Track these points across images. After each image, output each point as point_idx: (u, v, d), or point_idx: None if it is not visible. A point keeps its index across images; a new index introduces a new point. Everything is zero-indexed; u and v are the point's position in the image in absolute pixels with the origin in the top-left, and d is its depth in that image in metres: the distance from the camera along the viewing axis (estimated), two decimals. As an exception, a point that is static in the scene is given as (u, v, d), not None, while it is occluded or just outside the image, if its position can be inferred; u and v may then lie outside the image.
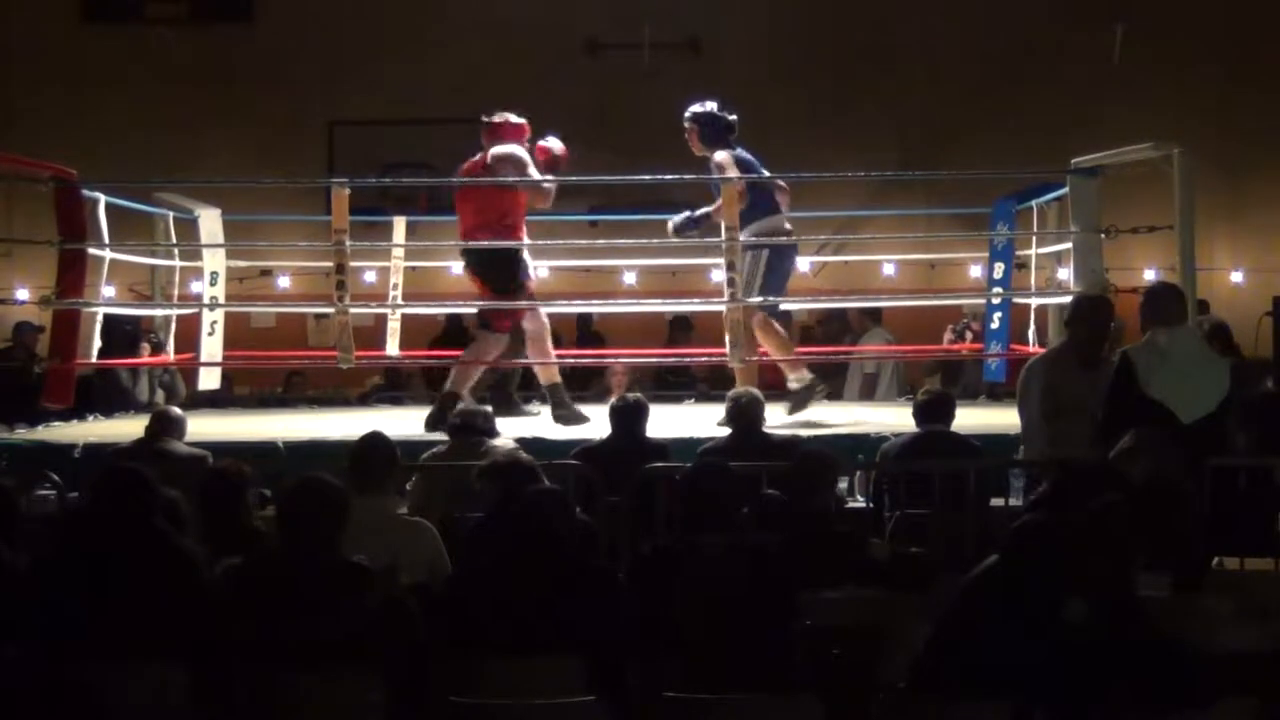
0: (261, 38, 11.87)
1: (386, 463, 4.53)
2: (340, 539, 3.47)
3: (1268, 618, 3.69)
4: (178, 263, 8.40)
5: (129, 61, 11.72)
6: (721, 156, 6.87)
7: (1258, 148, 11.63)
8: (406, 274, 8.66)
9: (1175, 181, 6.50)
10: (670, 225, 7.06)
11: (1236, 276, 11.57)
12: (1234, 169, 11.49)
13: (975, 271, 9.30)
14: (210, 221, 8.12)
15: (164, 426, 5.66)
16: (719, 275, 7.23)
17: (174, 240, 8.26)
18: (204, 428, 6.55)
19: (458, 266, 10.68)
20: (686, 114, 7.07)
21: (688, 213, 6.98)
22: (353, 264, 7.06)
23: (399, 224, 8.70)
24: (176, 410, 6.06)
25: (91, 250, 7.01)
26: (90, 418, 7.60)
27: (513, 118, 7.12)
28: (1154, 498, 3.78)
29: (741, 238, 6.70)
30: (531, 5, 11.64)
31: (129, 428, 6.67)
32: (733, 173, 6.78)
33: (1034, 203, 8.08)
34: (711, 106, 7.04)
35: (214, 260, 8.05)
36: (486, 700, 3.20)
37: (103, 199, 7.14)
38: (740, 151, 6.95)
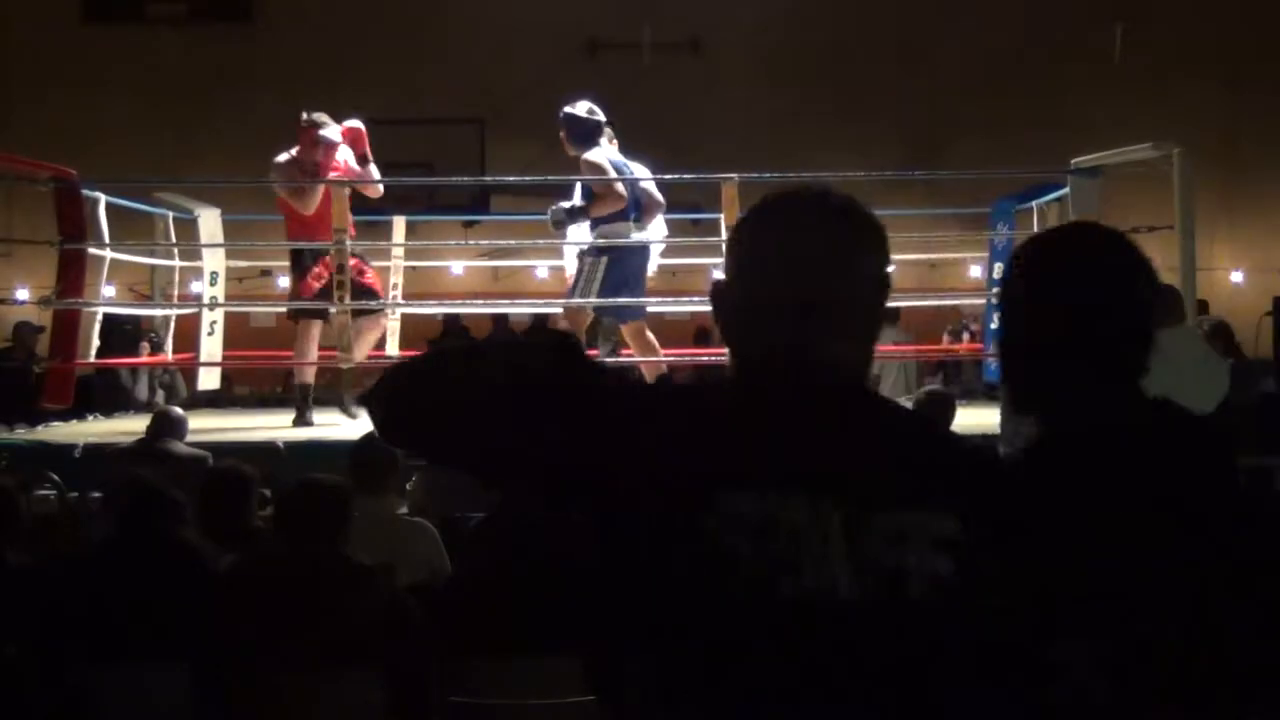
0: (261, 38, 11.88)
1: (387, 463, 4.53)
2: (341, 538, 3.47)
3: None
4: (177, 263, 8.40)
5: (129, 61, 11.73)
6: (593, 156, 6.82)
7: (1258, 148, 11.64)
8: (406, 274, 8.66)
9: (1175, 181, 6.50)
10: (551, 220, 6.91)
11: (1236, 276, 11.58)
12: (1234, 169, 11.49)
13: (975, 271, 9.30)
14: (210, 221, 8.13)
15: (165, 427, 5.66)
16: (719, 275, 7.22)
17: (174, 240, 8.26)
18: (204, 427, 6.55)
19: (458, 267, 10.78)
20: (560, 114, 6.98)
21: (566, 204, 6.83)
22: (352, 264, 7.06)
23: (399, 224, 8.70)
24: (178, 410, 6.05)
25: (91, 250, 7.01)
26: (90, 418, 7.60)
27: (321, 122, 6.98)
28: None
29: (593, 239, 6.65)
30: (531, 5, 11.65)
31: (129, 428, 6.67)
32: (609, 173, 6.73)
33: (1034, 203, 8.08)
34: (582, 106, 6.90)
35: (214, 260, 8.05)
36: (486, 700, 3.20)
37: (103, 199, 7.14)
38: (610, 153, 6.81)
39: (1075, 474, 1.52)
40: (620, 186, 6.63)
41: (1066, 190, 7.27)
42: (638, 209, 6.83)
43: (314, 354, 7.09)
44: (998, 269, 8.14)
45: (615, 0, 11.76)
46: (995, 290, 8.15)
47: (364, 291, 7.01)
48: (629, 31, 11.66)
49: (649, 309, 7.40)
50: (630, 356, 7.22)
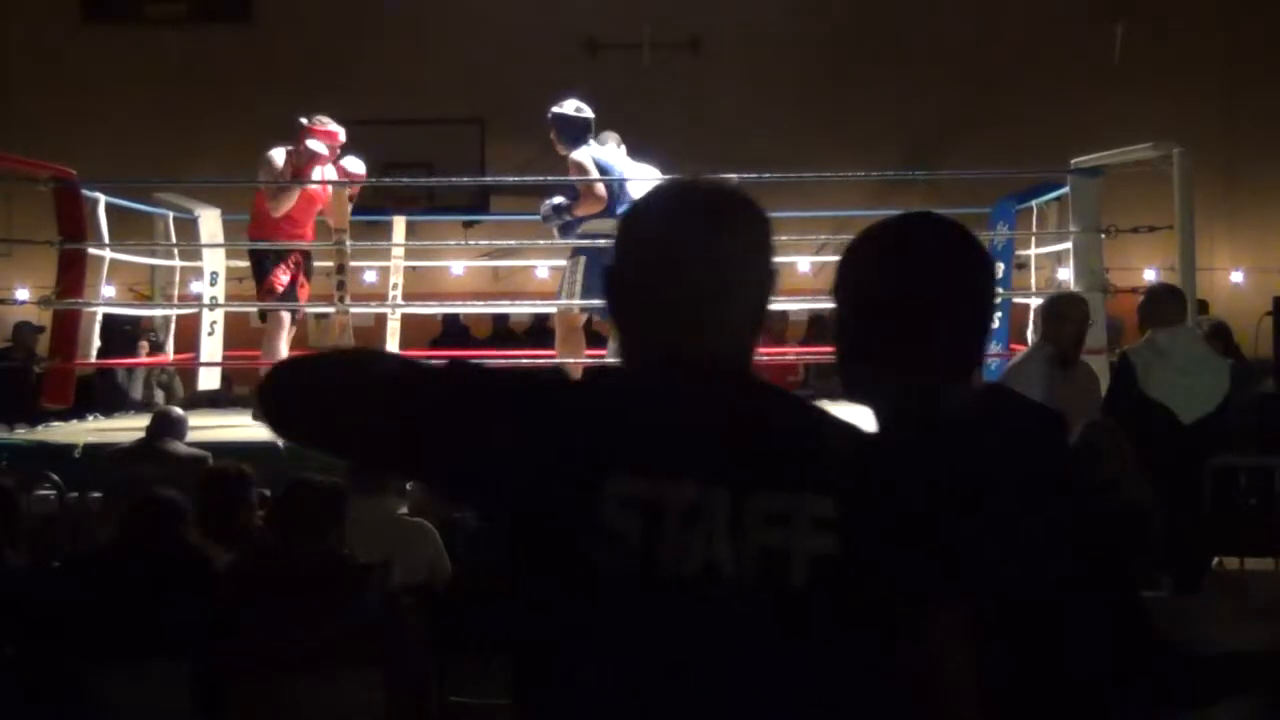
0: (261, 38, 11.87)
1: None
2: (335, 538, 3.47)
3: (1268, 618, 3.69)
4: (178, 263, 8.40)
5: (129, 61, 11.73)
6: (577, 155, 6.84)
7: (1258, 148, 11.63)
8: (406, 274, 8.66)
9: (1175, 181, 6.50)
10: (541, 216, 6.93)
11: (1236, 276, 11.57)
12: (1234, 169, 11.49)
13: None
14: (210, 221, 8.13)
15: (164, 427, 5.66)
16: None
17: (174, 240, 8.26)
18: (204, 427, 6.55)
19: (458, 267, 10.78)
20: (549, 114, 6.98)
21: (553, 201, 6.85)
22: (352, 264, 7.06)
23: (399, 224, 8.70)
24: (178, 410, 6.05)
25: (91, 250, 7.01)
26: (90, 418, 7.60)
27: (331, 125, 6.99)
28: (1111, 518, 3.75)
29: (574, 241, 6.66)
30: (531, 5, 11.64)
31: (129, 427, 6.67)
32: (593, 173, 6.74)
33: (1034, 203, 8.09)
34: (570, 105, 6.92)
35: (214, 260, 8.06)
36: (486, 701, 3.20)
37: (103, 199, 7.14)
38: (597, 150, 6.84)
39: (914, 462, 1.53)
40: (600, 188, 6.64)
41: (1066, 190, 7.27)
42: (621, 206, 6.85)
43: (284, 353, 7.09)
44: (998, 269, 8.14)
45: (615, 0, 11.75)
46: (995, 290, 8.16)
47: (286, 297, 6.98)
48: (629, 31, 11.66)
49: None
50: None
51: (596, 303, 6.88)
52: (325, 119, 6.93)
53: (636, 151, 7.41)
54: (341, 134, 6.97)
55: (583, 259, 6.72)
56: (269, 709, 3.20)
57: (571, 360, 7.01)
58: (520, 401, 1.45)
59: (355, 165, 7.00)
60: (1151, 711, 1.91)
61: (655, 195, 1.54)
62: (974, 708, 1.47)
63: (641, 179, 7.27)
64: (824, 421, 1.49)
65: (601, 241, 6.64)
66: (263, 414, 1.52)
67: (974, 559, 1.48)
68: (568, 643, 1.40)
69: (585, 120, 6.88)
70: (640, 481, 1.38)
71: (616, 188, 6.76)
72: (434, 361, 1.54)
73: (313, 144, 6.81)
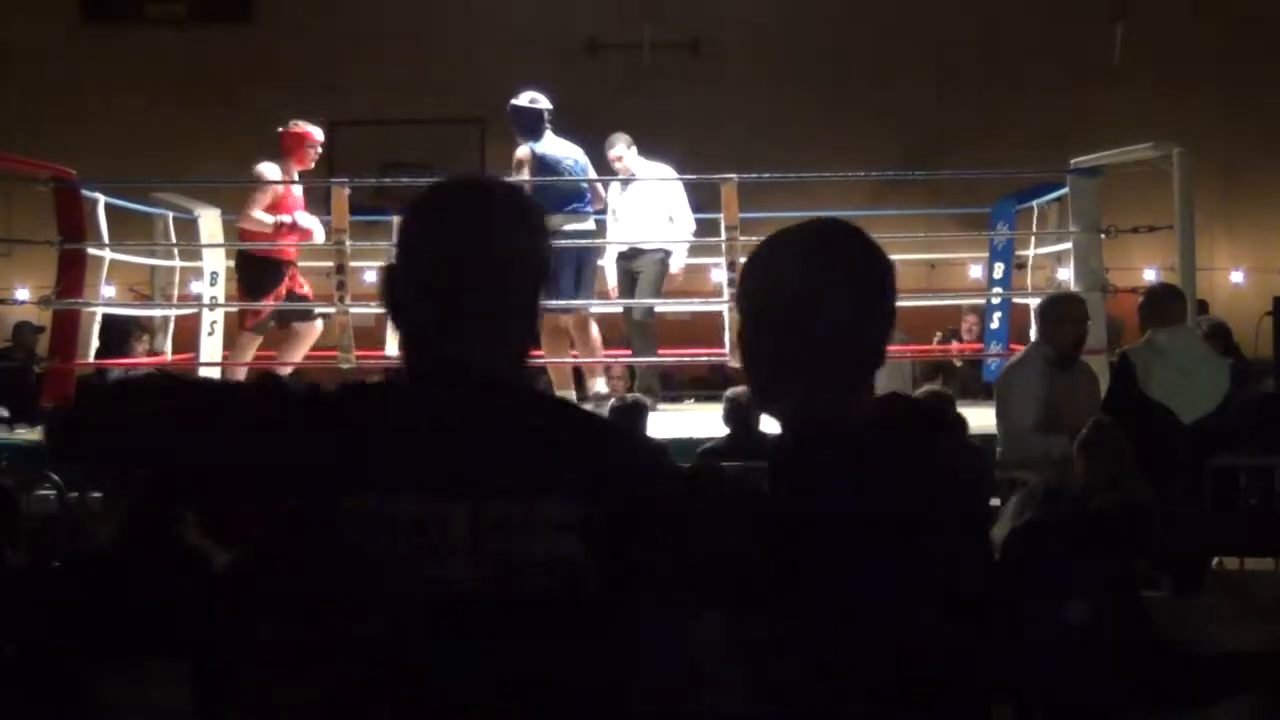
0: (261, 38, 11.87)
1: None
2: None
3: (1268, 618, 3.69)
4: (177, 263, 8.40)
5: (129, 61, 11.73)
6: (519, 151, 6.85)
7: (1257, 148, 11.64)
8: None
9: (1175, 181, 6.50)
10: None
11: (1236, 276, 11.57)
12: (1234, 169, 11.49)
13: (975, 271, 9.30)
14: (210, 221, 8.13)
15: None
16: (719, 275, 7.23)
17: (174, 240, 8.26)
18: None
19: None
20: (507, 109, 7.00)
21: None
22: (353, 264, 7.07)
23: (399, 224, 8.70)
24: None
25: (91, 250, 7.01)
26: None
27: (301, 126, 7.08)
28: (1111, 519, 3.75)
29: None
30: (531, 5, 11.64)
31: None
32: (525, 172, 6.75)
33: (1034, 203, 8.09)
34: (525, 96, 6.92)
35: (214, 260, 8.05)
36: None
37: (103, 199, 7.14)
38: (545, 145, 6.86)
39: (807, 469, 1.53)
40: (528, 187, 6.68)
41: (1066, 190, 7.27)
42: (572, 201, 6.85)
43: (249, 359, 7.22)
44: (998, 269, 8.14)
45: (615, 0, 11.75)
46: (995, 290, 8.16)
47: (301, 299, 7.15)
48: (629, 31, 11.66)
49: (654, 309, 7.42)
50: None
51: (596, 303, 6.90)
52: (299, 121, 7.07)
53: (639, 151, 7.41)
54: (317, 133, 7.09)
55: None
56: (269, 707, 3.20)
57: (555, 361, 7.02)
58: (266, 423, 1.45)
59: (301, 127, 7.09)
60: (1151, 711, 1.91)
61: (425, 198, 1.54)
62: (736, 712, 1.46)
63: (647, 178, 7.28)
64: (588, 429, 1.48)
65: (562, 241, 6.66)
66: (53, 444, 1.59)
67: (746, 569, 1.46)
68: (310, 651, 1.41)
69: (538, 111, 6.88)
70: (383, 495, 1.38)
71: (568, 185, 6.78)
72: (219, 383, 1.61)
73: (263, 168, 6.95)
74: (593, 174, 7.20)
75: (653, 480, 1.46)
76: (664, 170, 7.45)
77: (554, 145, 6.88)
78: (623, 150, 7.31)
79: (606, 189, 7.43)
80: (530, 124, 6.87)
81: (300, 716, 1.42)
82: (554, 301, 6.70)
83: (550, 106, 6.92)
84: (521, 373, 1.53)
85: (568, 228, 6.78)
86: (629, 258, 7.34)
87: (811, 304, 1.55)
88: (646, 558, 1.42)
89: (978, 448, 1.65)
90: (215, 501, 1.49)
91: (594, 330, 7.12)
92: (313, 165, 7.23)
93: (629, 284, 7.34)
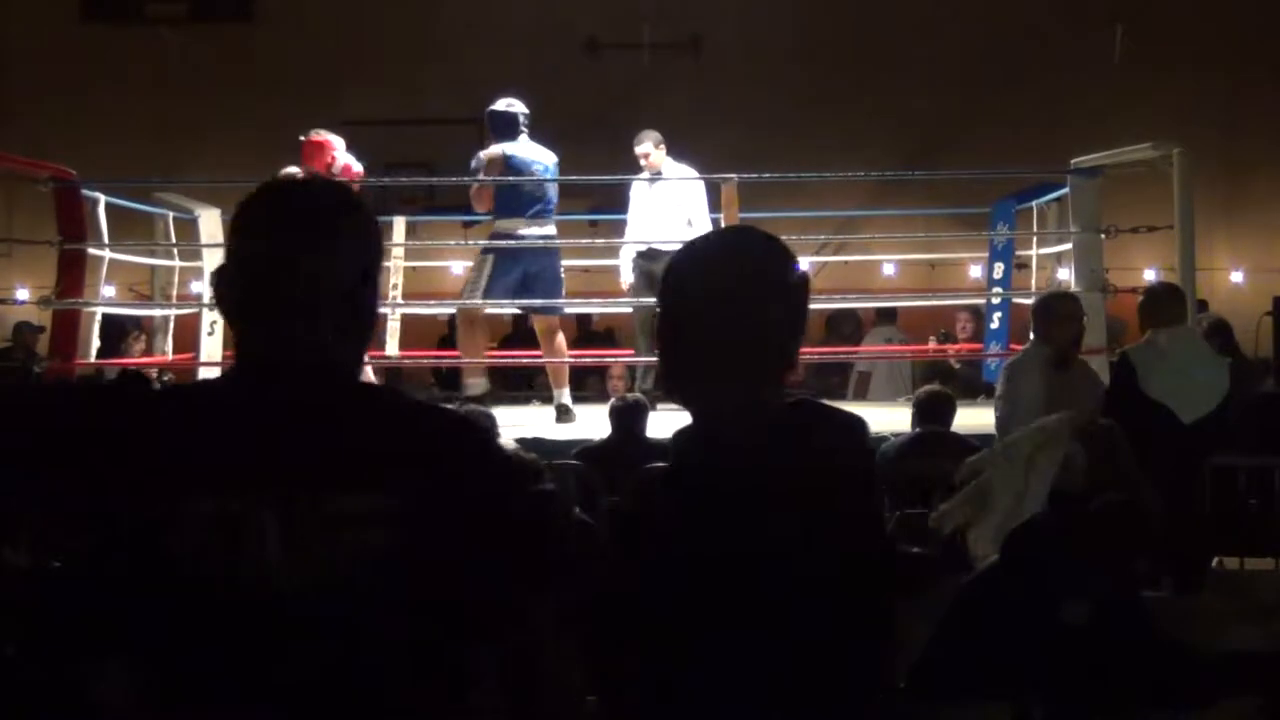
0: (261, 38, 11.87)
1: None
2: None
3: (1268, 618, 3.69)
4: (177, 263, 8.40)
5: (129, 61, 11.72)
6: (490, 151, 6.86)
7: (1258, 148, 11.63)
8: (406, 274, 8.66)
9: (1175, 181, 6.50)
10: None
11: (1236, 276, 11.57)
12: (1234, 169, 11.48)
13: (975, 271, 9.30)
14: (210, 222, 8.13)
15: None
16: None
17: (174, 240, 8.26)
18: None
19: (458, 267, 10.78)
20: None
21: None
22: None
23: (399, 224, 8.71)
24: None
25: (91, 250, 7.02)
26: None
27: (320, 135, 7.07)
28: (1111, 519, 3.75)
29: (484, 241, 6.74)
30: (531, 5, 11.64)
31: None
32: (493, 171, 6.78)
33: (1034, 203, 8.09)
34: (503, 101, 6.96)
35: (214, 260, 8.05)
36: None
37: (103, 199, 7.14)
38: (516, 148, 6.86)
39: (708, 462, 1.60)
40: (478, 187, 6.75)
41: (1066, 190, 7.27)
42: (535, 204, 6.85)
43: None
44: (998, 269, 8.15)
45: (615, 0, 11.75)
46: (995, 290, 8.16)
47: None
48: (629, 31, 11.66)
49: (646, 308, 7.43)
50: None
51: (538, 302, 6.87)
52: (319, 130, 7.03)
53: (635, 150, 7.41)
54: (337, 143, 7.08)
55: (490, 256, 6.75)
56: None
57: (471, 358, 7.00)
58: (96, 424, 1.48)
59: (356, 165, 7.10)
60: (1151, 711, 1.91)
61: (254, 198, 1.55)
62: (570, 703, 1.51)
63: (670, 178, 7.27)
64: (420, 422, 1.50)
65: (511, 242, 6.66)
66: None
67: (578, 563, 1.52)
68: (143, 650, 1.43)
69: (513, 115, 6.91)
70: (208, 494, 1.40)
71: (533, 188, 6.78)
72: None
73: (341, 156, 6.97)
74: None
75: (475, 478, 1.48)
76: (688, 170, 7.44)
77: (526, 149, 6.89)
78: (649, 148, 7.30)
79: (630, 187, 7.44)
80: (504, 127, 6.90)
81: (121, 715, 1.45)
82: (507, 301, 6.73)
83: (526, 111, 6.94)
84: (352, 368, 1.54)
85: (529, 231, 6.77)
86: (648, 258, 7.32)
87: (722, 306, 1.62)
88: (462, 555, 1.44)
89: (872, 450, 1.74)
90: (30, 514, 1.54)
91: (559, 338, 7.05)
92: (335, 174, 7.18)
93: (646, 284, 7.31)
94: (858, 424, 1.72)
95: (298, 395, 1.46)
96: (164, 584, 1.40)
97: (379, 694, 1.42)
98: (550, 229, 6.90)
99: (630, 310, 7.70)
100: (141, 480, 1.42)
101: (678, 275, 1.68)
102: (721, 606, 1.49)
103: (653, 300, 7.28)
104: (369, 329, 1.54)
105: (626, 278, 7.48)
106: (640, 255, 7.38)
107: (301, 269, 1.47)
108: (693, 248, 1.72)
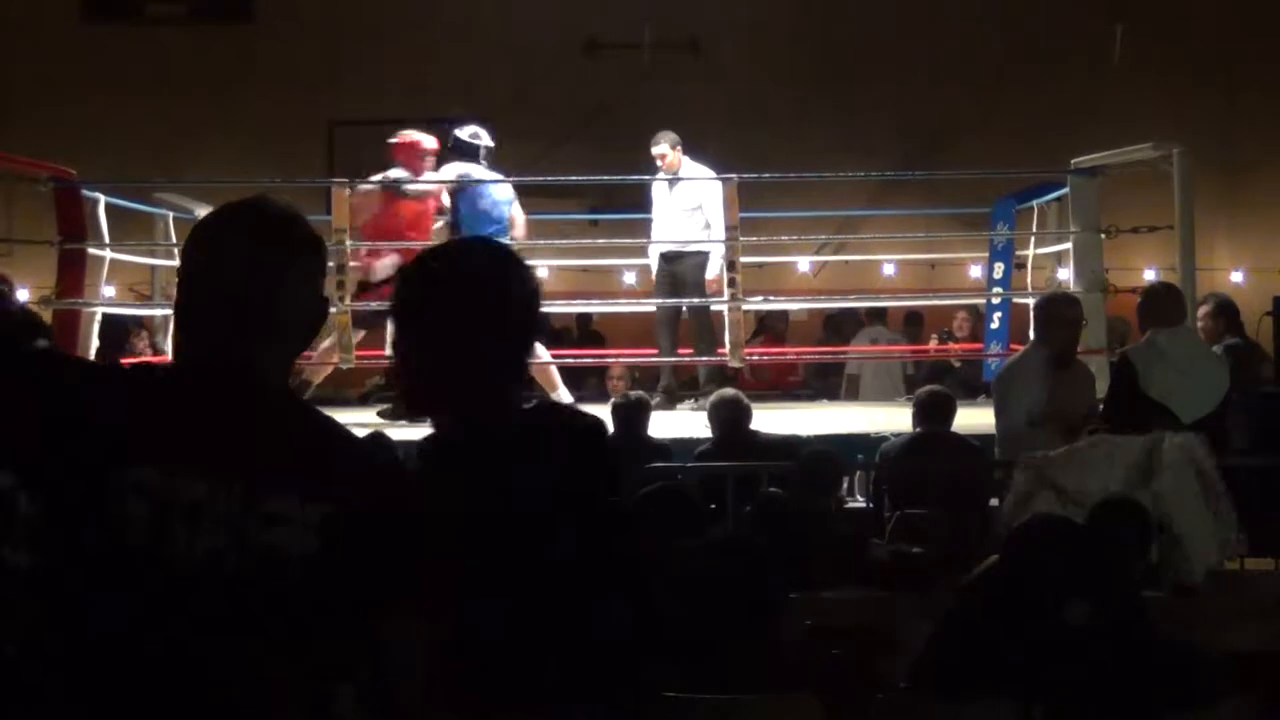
0: (261, 38, 11.86)
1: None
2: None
3: (1268, 618, 3.69)
4: (178, 263, 8.39)
5: (129, 61, 11.72)
6: (451, 168, 6.99)
7: (1258, 148, 11.63)
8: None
9: (1175, 181, 6.51)
10: None
11: (1236, 276, 11.56)
12: (1234, 169, 11.48)
13: (975, 271, 9.31)
14: (210, 222, 8.12)
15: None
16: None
17: (174, 240, 8.26)
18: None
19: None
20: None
21: None
22: (353, 264, 7.06)
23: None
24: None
25: (91, 250, 7.02)
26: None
27: (409, 136, 7.08)
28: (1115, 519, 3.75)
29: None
30: (531, 5, 11.64)
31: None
32: (444, 189, 6.94)
33: (1034, 203, 8.10)
34: (468, 130, 7.10)
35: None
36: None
37: (103, 199, 7.15)
38: (476, 173, 6.97)
39: (451, 471, 1.74)
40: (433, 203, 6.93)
41: (1066, 190, 7.27)
42: (498, 227, 6.88)
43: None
44: (998, 269, 8.15)
45: (615, 0, 11.75)
46: (995, 290, 8.16)
47: None
48: (629, 31, 11.65)
49: (648, 309, 7.43)
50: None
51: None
52: (406, 131, 7.09)
53: (639, 151, 7.41)
54: (426, 141, 7.08)
55: None
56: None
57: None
58: (44, 391, 1.56)
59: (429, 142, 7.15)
60: (1151, 711, 1.92)
61: (216, 214, 1.71)
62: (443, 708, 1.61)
63: (687, 178, 7.28)
64: (334, 434, 1.64)
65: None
66: None
67: (453, 568, 1.64)
68: (74, 620, 1.57)
69: (476, 145, 7.06)
70: (153, 472, 1.50)
71: (456, 202, 6.94)
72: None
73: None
74: (513, 209, 7.13)
75: (367, 480, 1.61)
76: (704, 170, 7.43)
77: (483, 175, 6.95)
78: (666, 149, 7.30)
79: (650, 188, 7.46)
80: (466, 154, 6.98)
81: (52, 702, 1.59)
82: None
83: (491, 144, 7.01)
84: (280, 375, 1.67)
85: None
86: (671, 260, 7.33)
87: (449, 321, 1.77)
88: (354, 553, 1.55)
89: (609, 450, 1.88)
90: None
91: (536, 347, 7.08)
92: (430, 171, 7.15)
93: (668, 286, 7.32)
94: (595, 425, 1.83)
95: (218, 392, 1.58)
96: (104, 550, 1.52)
97: (294, 688, 1.53)
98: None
99: (629, 310, 7.70)
100: (99, 448, 1.51)
101: (407, 288, 1.81)
102: (467, 603, 1.64)
103: (674, 301, 7.36)
104: (299, 340, 1.68)
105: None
106: (662, 257, 7.40)
107: (232, 281, 1.62)
108: (421, 263, 1.86)
